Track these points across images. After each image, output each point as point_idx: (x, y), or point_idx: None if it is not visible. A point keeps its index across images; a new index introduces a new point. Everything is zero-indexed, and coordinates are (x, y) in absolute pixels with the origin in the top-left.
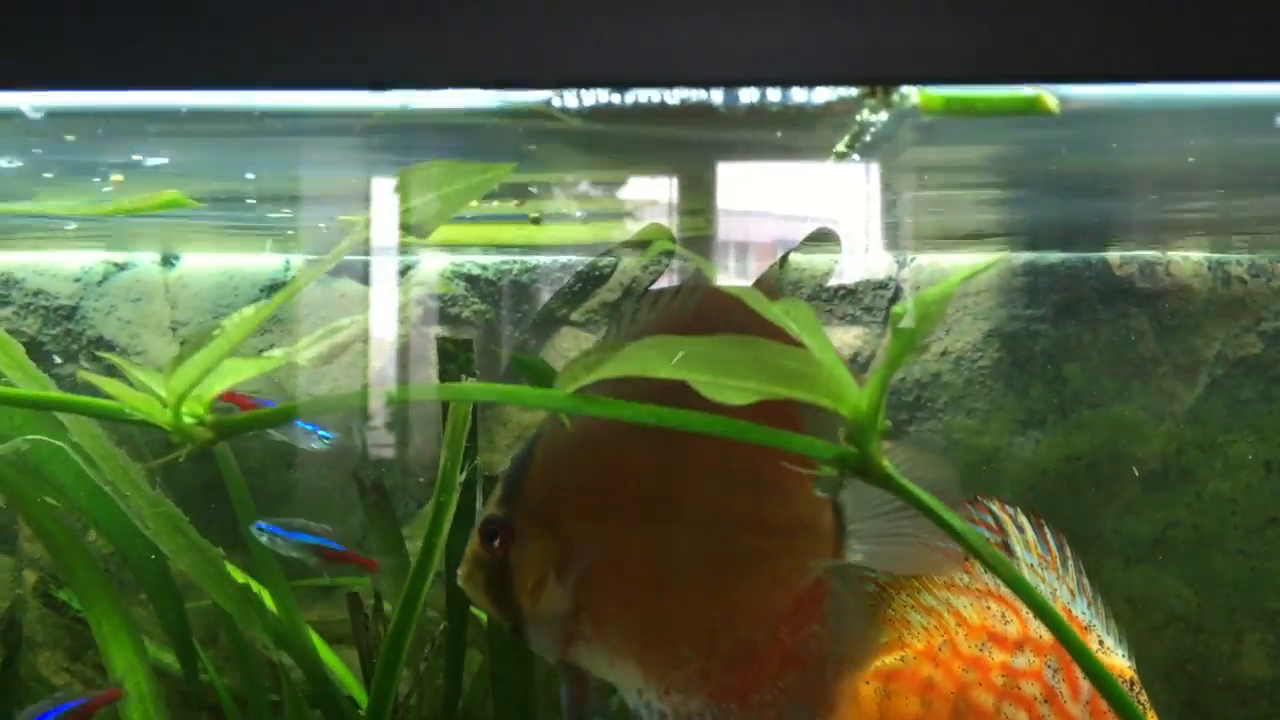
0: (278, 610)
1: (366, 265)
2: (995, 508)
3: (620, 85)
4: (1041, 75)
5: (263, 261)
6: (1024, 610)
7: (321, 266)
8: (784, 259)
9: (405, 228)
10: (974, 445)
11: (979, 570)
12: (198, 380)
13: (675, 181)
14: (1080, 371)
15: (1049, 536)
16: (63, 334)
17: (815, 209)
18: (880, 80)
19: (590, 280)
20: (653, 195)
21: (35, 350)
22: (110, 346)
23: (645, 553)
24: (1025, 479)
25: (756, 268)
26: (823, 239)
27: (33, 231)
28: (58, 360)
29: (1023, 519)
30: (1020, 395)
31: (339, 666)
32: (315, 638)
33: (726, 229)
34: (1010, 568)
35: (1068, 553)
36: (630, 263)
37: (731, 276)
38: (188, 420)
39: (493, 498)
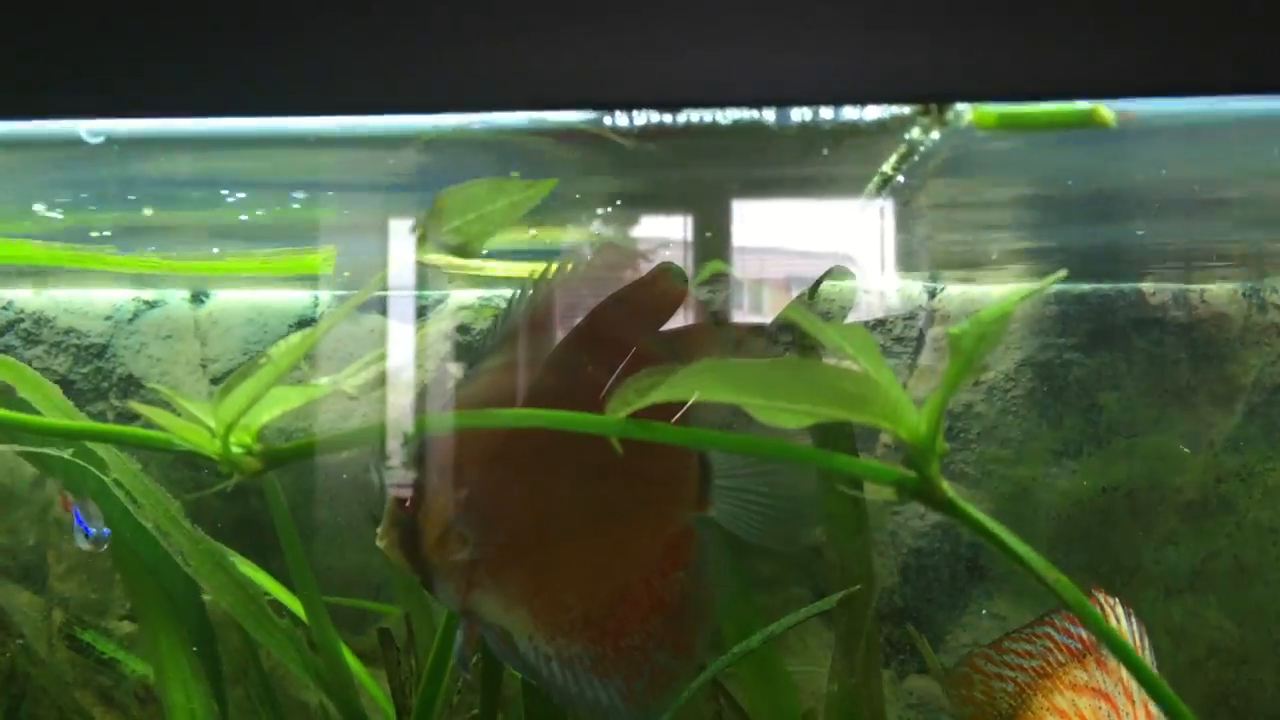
0: (318, 641)
1: (397, 300)
2: (1102, 597)
3: (672, 106)
4: (1099, 90)
5: (291, 297)
6: (1120, 703)
7: (363, 295)
8: (814, 288)
9: (449, 248)
10: (1008, 476)
11: (1093, 668)
12: (245, 409)
13: (698, 214)
14: (1115, 401)
15: (1134, 623)
16: (93, 372)
17: (839, 241)
18: (935, 97)
19: None
20: (668, 231)
21: (67, 388)
22: (141, 384)
23: (533, 505)
24: (1061, 509)
25: (772, 302)
26: (837, 277)
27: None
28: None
29: (1120, 609)
30: (1055, 425)
31: (383, 700)
32: (360, 667)
33: (741, 265)
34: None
35: (1145, 641)
36: None
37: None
38: (236, 450)
39: (405, 460)
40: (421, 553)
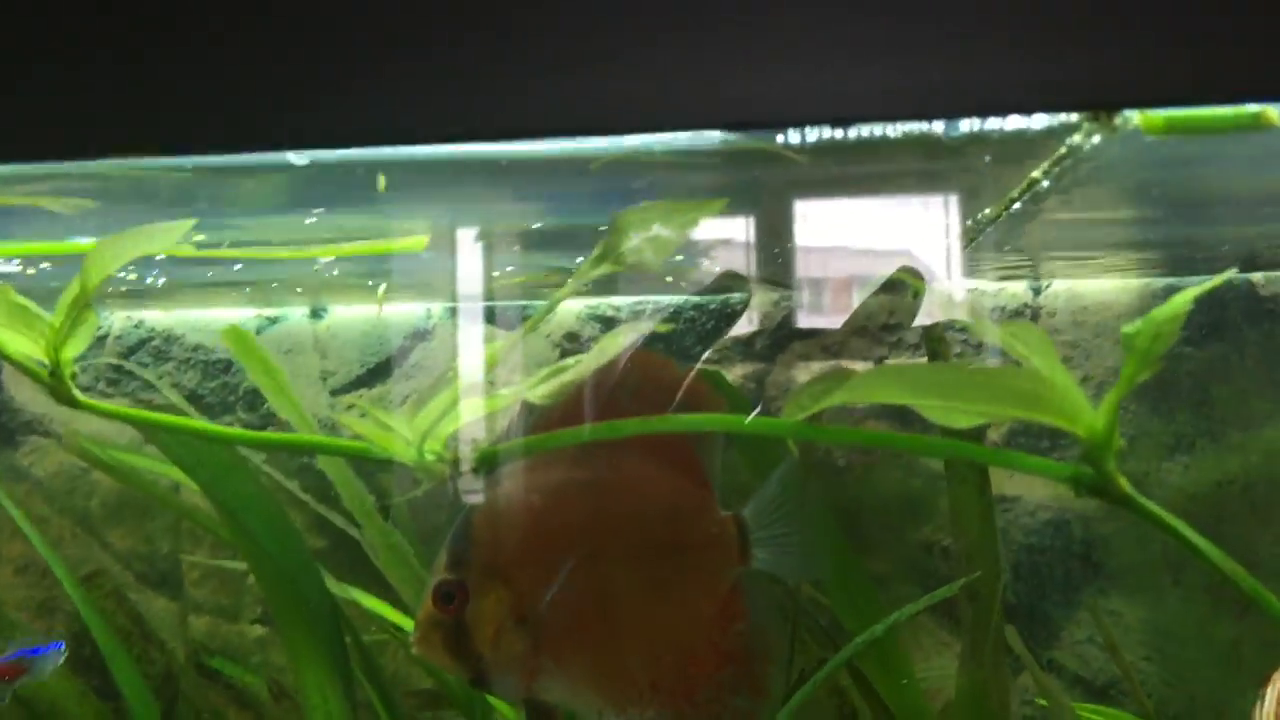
0: None
1: (502, 311)
2: None
3: (844, 122)
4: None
5: (405, 310)
6: None
7: (556, 302)
8: (917, 290)
9: (626, 266)
10: (1121, 471)
11: None
12: (438, 420)
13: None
14: (1228, 394)
15: None
16: (220, 386)
17: (944, 244)
18: (1106, 105)
19: (723, 318)
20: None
21: (195, 402)
22: (263, 399)
23: (587, 588)
24: (1175, 505)
25: (835, 302)
26: (902, 281)
27: (192, 288)
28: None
29: None
30: (1166, 420)
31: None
32: None
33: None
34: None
35: None
36: (762, 299)
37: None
38: (428, 457)
39: (437, 565)
40: (474, 651)
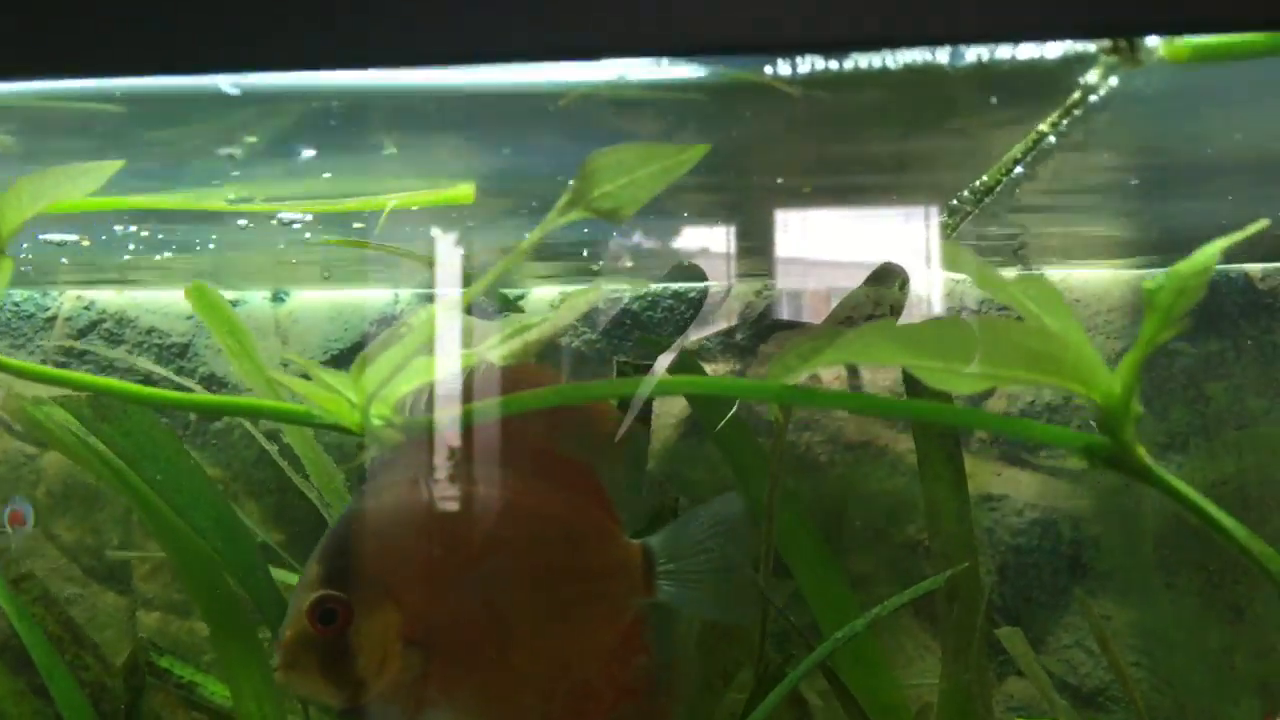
0: None
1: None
2: None
3: (838, 47)
4: None
5: (372, 295)
6: None
7: (511, 261)
8: (904, 282)
9: (597, 213)
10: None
11: None
12: (387, 380)
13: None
14: (1223, 391)
15: None
16: (176, 372)
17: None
18: (1128, 30)
19: (704, 308)
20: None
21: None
22: (223, 384)
23: (481, 613)
24: (1168, 505)
25: (813, 311)
26: (887, 276)
27: (146, 268)
28: None
29: None
30: (1159, 417)
31: None
32: None
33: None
34: None
35: None
36: (743, 289)
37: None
38: (376, 422)
39: (309, 580)
40: (354, 677)
